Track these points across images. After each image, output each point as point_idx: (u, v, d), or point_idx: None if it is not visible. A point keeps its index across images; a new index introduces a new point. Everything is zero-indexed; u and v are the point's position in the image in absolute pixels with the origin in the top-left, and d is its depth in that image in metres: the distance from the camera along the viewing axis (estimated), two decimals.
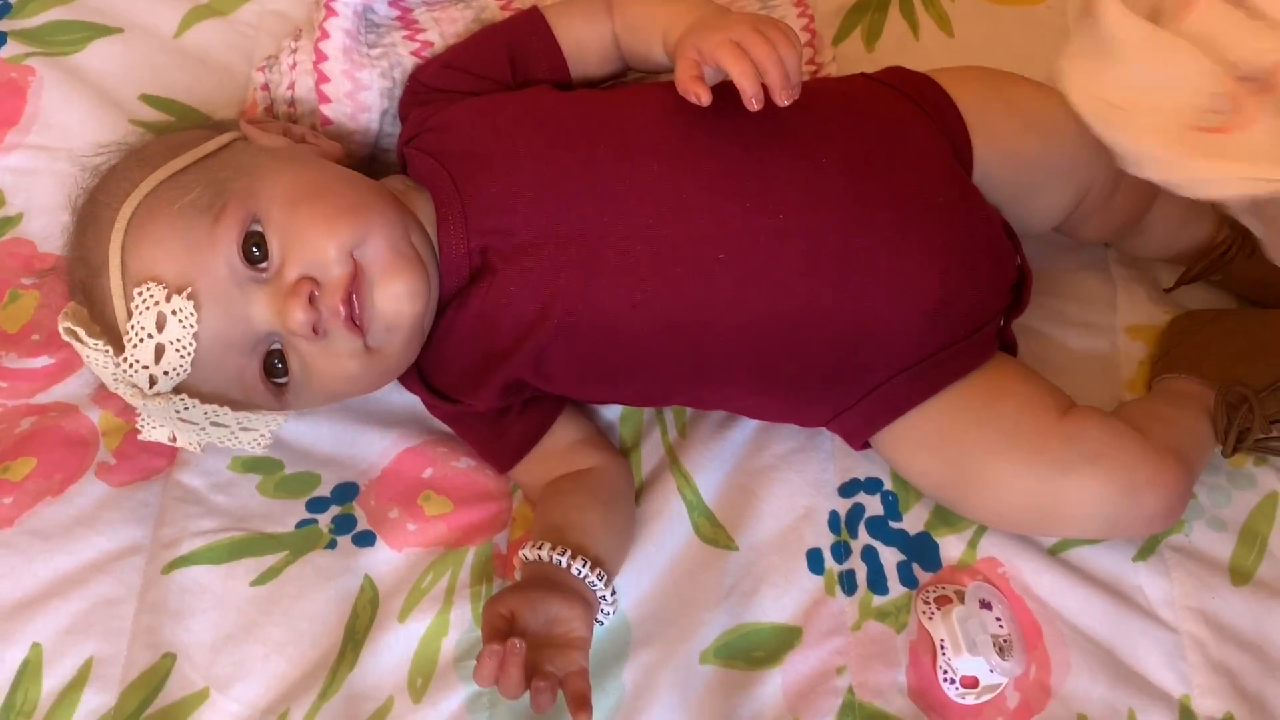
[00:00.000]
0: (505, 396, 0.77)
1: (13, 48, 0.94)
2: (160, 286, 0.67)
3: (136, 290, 0.68)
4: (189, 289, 0.68)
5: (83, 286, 0.72)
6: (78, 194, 0.75)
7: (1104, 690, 0.74)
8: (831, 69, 0.93)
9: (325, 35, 0.81)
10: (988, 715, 0.73)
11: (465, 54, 0.81)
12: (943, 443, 0.75)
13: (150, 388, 0.69)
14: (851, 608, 0.76)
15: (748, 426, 0.83)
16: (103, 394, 0.82)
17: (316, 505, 0.80)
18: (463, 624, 0.75)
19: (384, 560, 0.78)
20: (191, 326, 0.67)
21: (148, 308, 0.67)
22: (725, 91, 0.69)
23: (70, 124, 0.91)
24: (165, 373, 0.69)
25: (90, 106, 0.91)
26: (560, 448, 0.79)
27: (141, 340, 0.68)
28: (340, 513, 0.80)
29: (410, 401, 0.83)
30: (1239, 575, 0.78)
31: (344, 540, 0.78)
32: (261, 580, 0.76)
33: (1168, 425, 0.77)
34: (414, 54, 0.83)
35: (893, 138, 0.75)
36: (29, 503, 0.77)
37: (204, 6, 0.97)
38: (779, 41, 0.67)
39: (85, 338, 0.69)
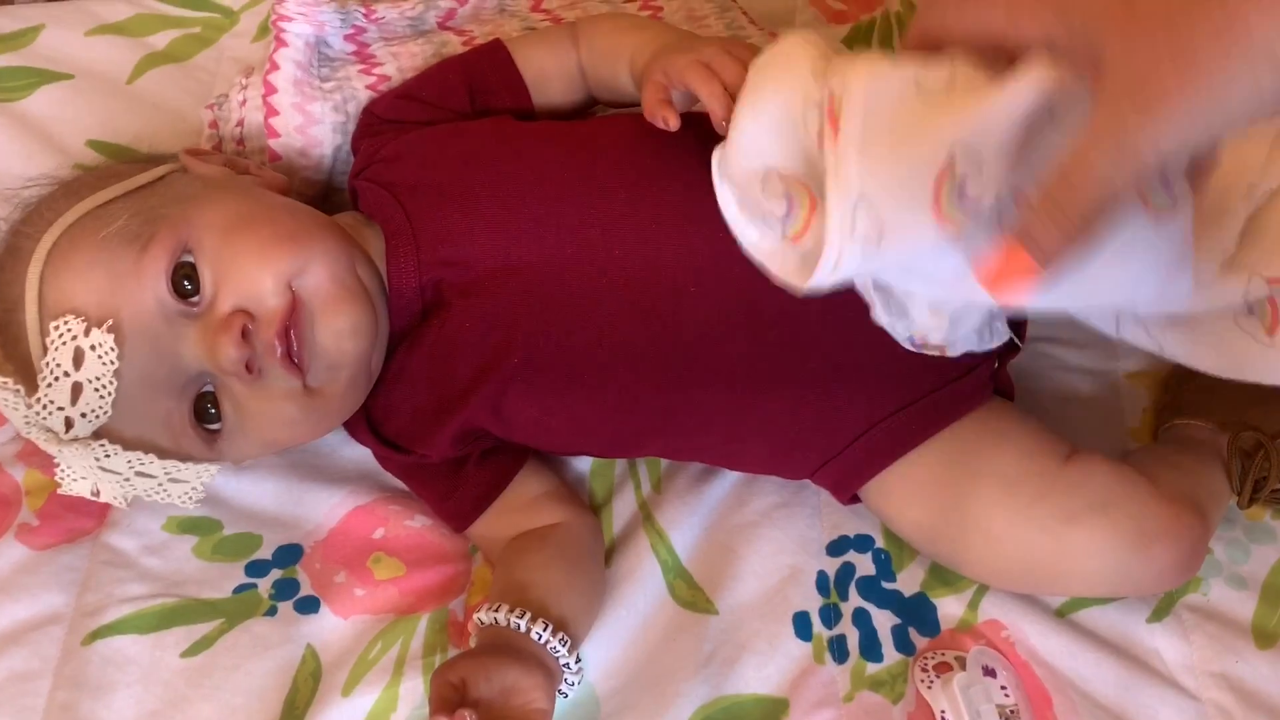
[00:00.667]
0: (462, 445, 0.71)
1: None
2: (79, 319, 0.62)
3: (53, 324, 0.63)
4: (110, 321, 0.62)
5: None
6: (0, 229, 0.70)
7: None
8: None
9: (275, 67, 0.77)
10: None
11: (421, 85, 0.78)
12: (937, 492, 0.70)
13: (66, 431, 0.64)
14: (843, 677, 0.70)
15: (727, 480, 0.78)
16: (29, 450, 0.76)
17: (256, 569, 0.74)
18: (414, 698, 0.68)
19: (329, 628, 0.71)
20: (112, 363, 0.62)
21: (64, 342, 0.62)
22: (693, 120, 0.65)
23: (11, 169, 0.86)
24: (83, 414, 0.63)
25: (31, 152, 0.88)
26: (523, 502, 0.73)
27: (57, 379, 0.63)
28: (282, 576, 0.74)
29: (360, 455, 0.78)
30: (1263, 637, 0.72)
31: (285, 606, 0.72)
32: (193, 651, 0.70)
33: (1180, 472, 0.72)
34: (369, 88, 0.79)
35: None
36: None
37: (160, 53, 0.96)
38: (750, 63, 0.64)
39: None
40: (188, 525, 0.75)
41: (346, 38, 0.82)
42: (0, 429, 0.78)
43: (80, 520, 0.75)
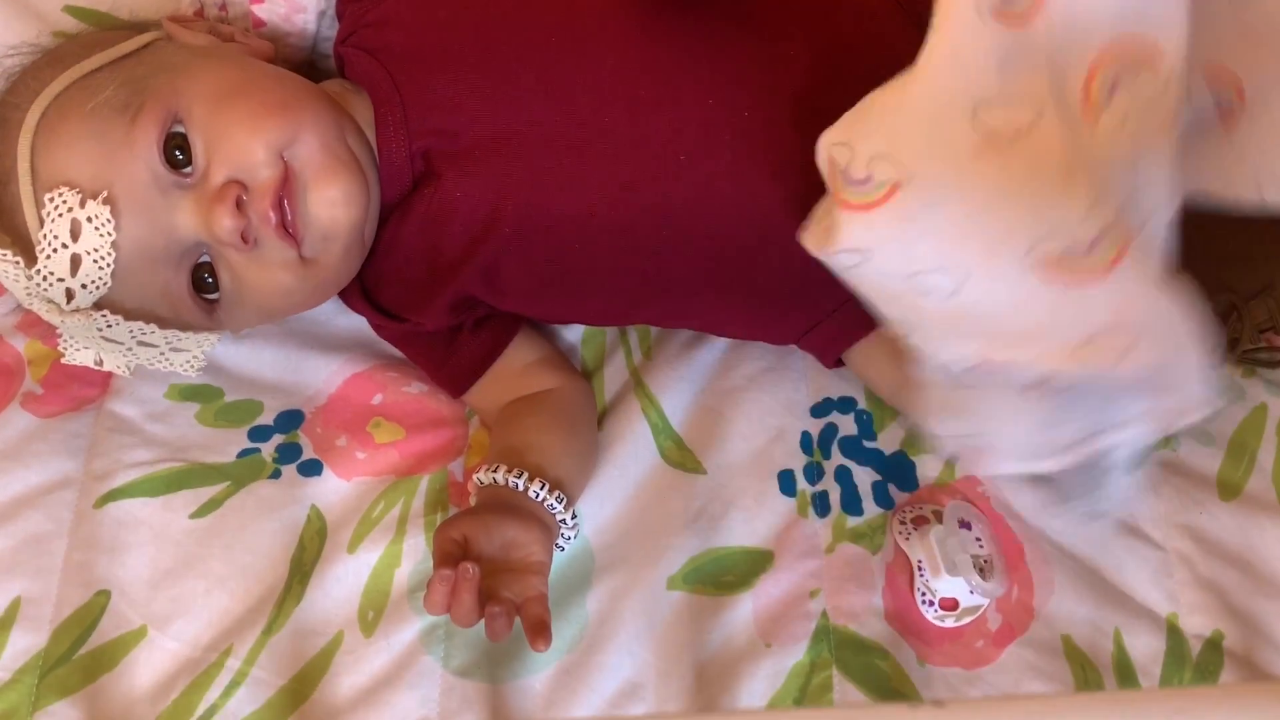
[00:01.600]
0: (456, 314, 0.72)
1: None
2: (74, 191, 0.62)
3: (48, 196, 0.63)
4: (105, 193, 0.63)
5: None
6: None
7: (1089, 610, 0.71)
8: None
9: None
10: (968, 638, 0.70)
11: None
12: None
13: (68, 303, 0.64)
14: (825, 530, 0.73)
15: (716, 346, 0.79)
16: (29, 320, 0.77)
17: (259, 434, 0.76)
18: (416, 554, 0.71)
19: (332, 490, 0.74)
20: (109, 234, 0.63)
21: (60, 215, 0.62)
22: None
23: None
24: (83, 286, 0.64)
25: (7, 18, 0.85)
26: (517, 369, 0.75)
27: (55, 250, 0.63)
28: (285, 441, 0.75)
29: (357, 324, 0.79)
30: (1227, 490, 0.75)
31: (289, 470, 0.74)
32: (201, 512, 0.72)
33: None
34: None
35: (865, 30, 0.70)
36: None
37: None
38: None
39: None
40: (189, 393, 0.76)
41: None
42: None
43: (84, 389, 0.76)
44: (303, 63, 0.80)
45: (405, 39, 0.70)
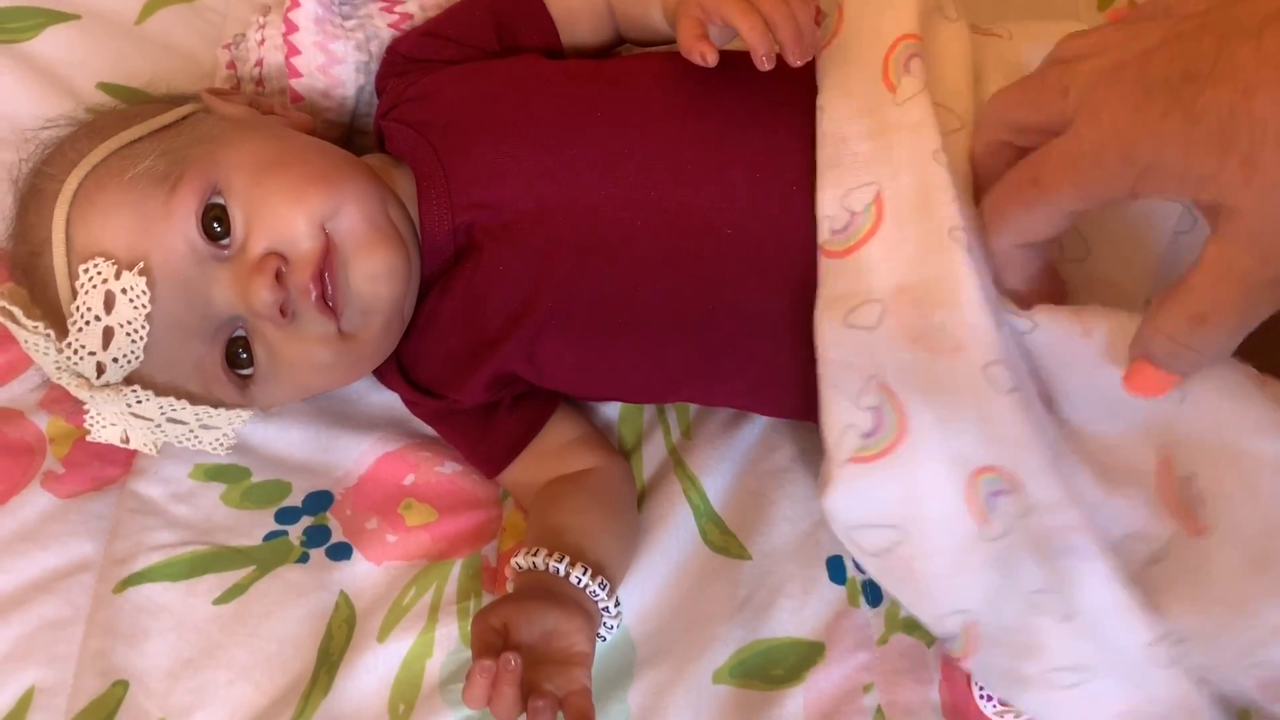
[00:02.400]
0: (494, 390, 0.70)
1: None
2: (109, 262, 0.61)
3: (83, 267, 0.61)
4: (141, 264, 0.61)
5: (23, 266, 0.65)
6: (21, 169, 0.68)
7: None
8: None
9: (296, 4, 0.75)
10: None
11: (447, 22, 0.75)
12: None
13: (98, 377, 0.62)
14: (877, 620, 0.70)
15: (758, 424, 0.77)
16: (51, 397, 0.75)
17: (287, 516, 0.73)
18: (449, 644, 0.68)
19: (361, 575, 0.71)
20: (144, 307, 0.61)
21: (94, 286, 0.61)
22: (727, 57, 0.63)
23: (20, 113, 0.84)
24: (114, 360, 0.62)
25: (42, 94, 0.85)
26: (555, 447, 0.73)
27: (88, 323, 0.61)
28: (313, 524, 0.73)
29: (389, 401, 0.77)
30: None
31: (317, 554, 0.72)
32: (225, 598, 0.69)
33: None
34: (391, 26, 0.77)
35: None
36: None
37: None
38: None
39: (23, 319, 0.63)
40: (215, 473, 0.74)
41: None
42: (22, 377, 0.76)
43: (106, 468, 0.74)
44: (340, 137, 0.79)
45: (448, 113, 0.69)
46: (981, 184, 0.57)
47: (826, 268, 0.62)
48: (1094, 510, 0.57)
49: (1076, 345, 0.56)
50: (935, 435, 0.57)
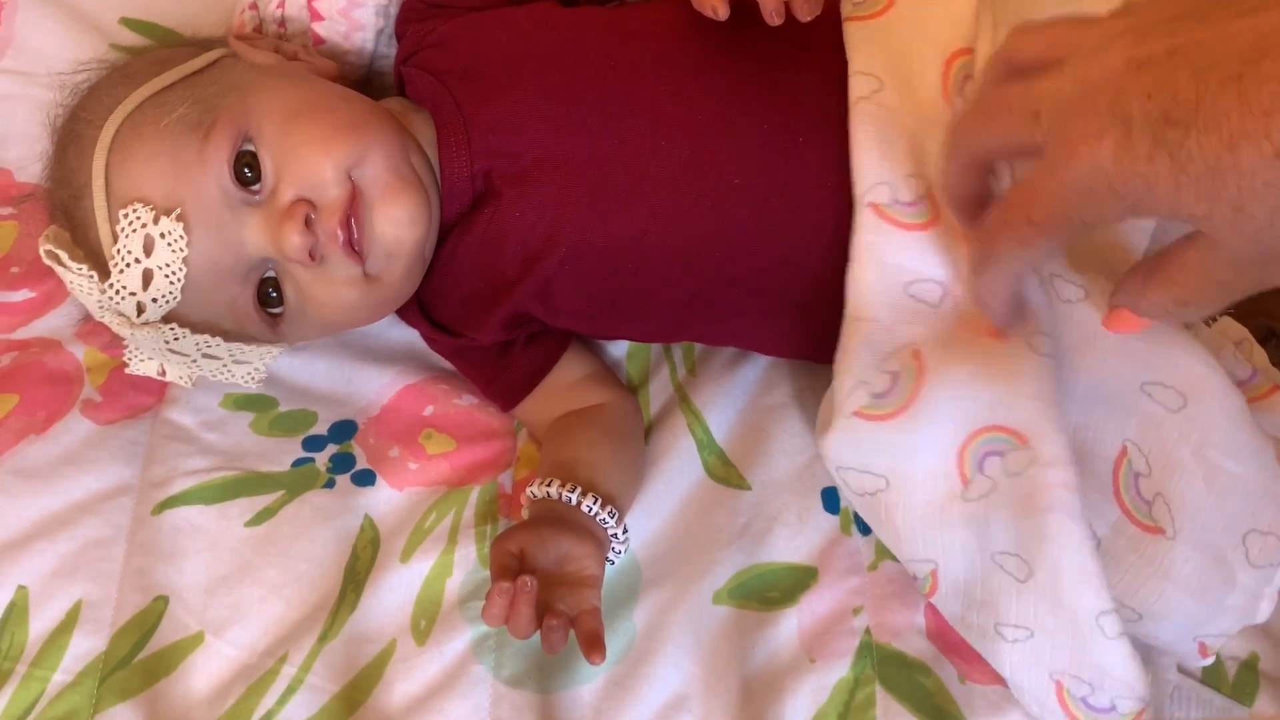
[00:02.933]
0: (510, 329, 0.74)
1: None
2: (148, 208, 0.64)
3: (122, 212, 0.64)
4: (178, 210, 0.64)
5: (64, 209, 0.68)
6: (57, 113, 0.71)
7: None
8: None
9: None
10: None
11: None
12: None
13: (138, 316, 0.66)
14: (868, 547, 0.74)
15: (759, 363, 0.80)
16: (87, 328, 0.78)
17: (313, 444, 0.77)
18: (467, 564, 0.73)
19: (385, 500, 0.75)
20: (181, 250, 0.64)
21: (134, 230, 0.64)
22: (741, 8, 0.65)
23: (47, 48, 0.86)
24: (154, 300, 0.65)
25: (67, 29, 0.87)
26: (566, 383, 0.76)
27: (128, 265, 0.64)
28: (338, 451, 0.77)
29: (409, 337, 0.80)
30: None
31: (342, 479, 0.76)
32: (257, 521, 0.73)
33: None
34: None
35: None
36: (12, 441, 0.74)
37: None
38: None
39: (68, 261, 0.65)
40: (244, 402, 0.78)
41: None
42: (57, 309, 0.79)
43: (140, 397, 0.77)
44: (359, 80, 0.81)
45: (469, 60, 0.71)
46: (958, 206, 0.57)
47: (883, 230, 0.63)
48: None
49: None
50: (944, 407, 0.61)
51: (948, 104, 0.64)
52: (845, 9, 0.69)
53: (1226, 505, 0.60)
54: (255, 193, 0.66)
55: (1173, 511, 0.61)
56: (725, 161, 0.67)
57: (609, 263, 0.69)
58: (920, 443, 0.62)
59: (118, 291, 0.65)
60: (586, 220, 0.68)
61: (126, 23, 0.88)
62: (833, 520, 0.75)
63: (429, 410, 0.78)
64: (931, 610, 0.72)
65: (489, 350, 0.76)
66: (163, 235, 0.64)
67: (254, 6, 0.81)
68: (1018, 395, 0.60)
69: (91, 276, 0.66)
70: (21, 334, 0.79)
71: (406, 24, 0.77)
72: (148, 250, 0.64)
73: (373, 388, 0.79)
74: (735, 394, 0.79)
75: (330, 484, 0.75)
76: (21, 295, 0.80)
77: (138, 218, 0.64)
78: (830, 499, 0.76)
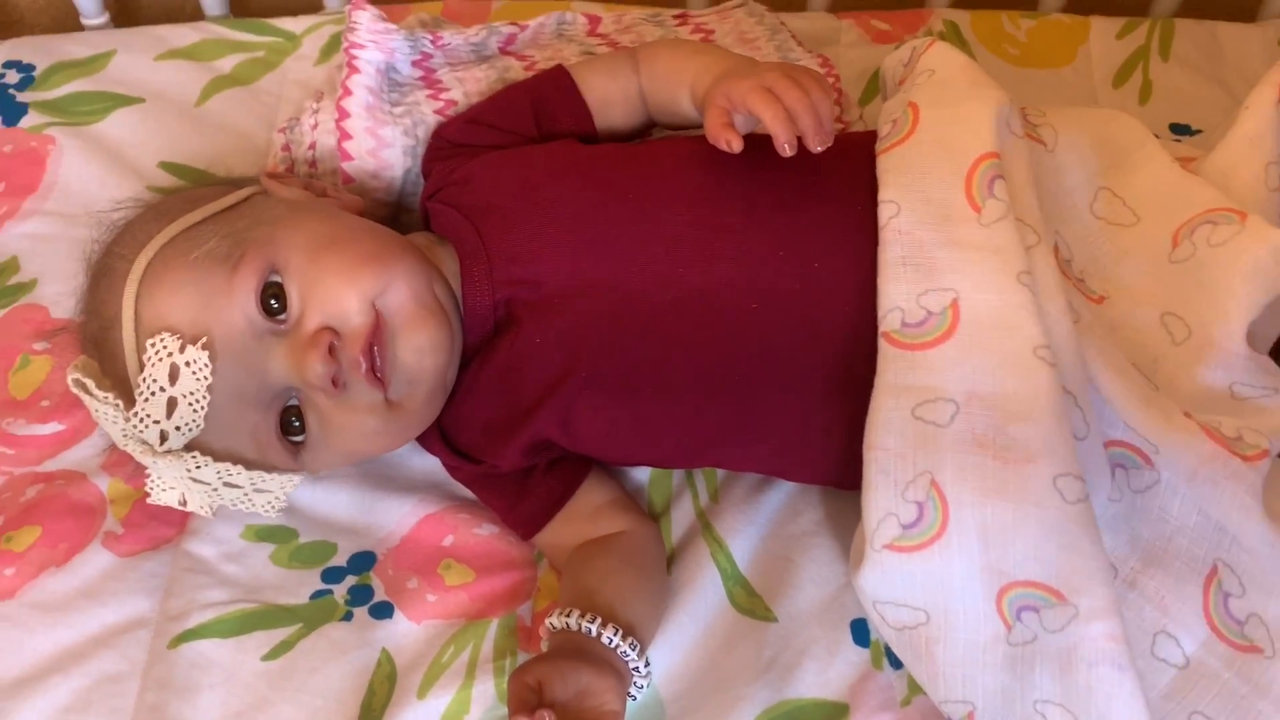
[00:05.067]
0: (530, 456, 0.73)
1: (33, 118, 0.95)
2: (174, 337, 0.65)
3: (149, 341, 0.65)
4: (204, 339, 0.65)
5: (94, 340, 0.70)
6: (93, 248, 0.73)
7: None
8: (858, 128, 0.92)
9: (348, 92, 0.80)
10: None
11: (489, 109, 0.80)
12: None
13: (161, 444, 0.66)
14: (900, 682, 0.72)
15: (783, 490, 0.79)
16: (112, 460, 0.79)
17: (332, 575, 0.76)
18: (486, 700, 0.71)
19: (402, 633, 0.74)
20: (206, 379, 0.65)
21: (160, 359, 0.65)
22: (754, 142, 0.67)
23: (88, 190, 0.90)
24: (177, 428, 0.66)
25: (108, 173, 0.91)
26: (588, 510, 0.76)
27: (153, 393, 0.65)
28: (357, 583, 0.76)
29: (430, 465, 0.80)
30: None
31: (360, 612, 0.75)
32: (274, 654, 0.72)
33: None
34: (437, 112, 0.82)
35: None
36: (32, 573, 0.74)
37: (225, 77, 0.99)
38: (811, 88, 0.66)
39: (94, 390, 0.67)
40: (265, 534, 0.78)
41: (414, 64, 0.84)
42: (84, 441, 0.80)
43: (162, 529, 0.77)
44: (387, 216, 0.84)
45: (491, 195, 0.73)
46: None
47: (892, 356, 0.64)
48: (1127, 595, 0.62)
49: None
50: (975, 543, 0.60)
51: (973, 209, 0.65)
52: (877, 144, 0.71)
53: None
54: (281, 322, 0.67)
55: (1271, 633, 0.60)
56: (740, 289, 0.68)
57: (630, 388, 0.70)
58: (956, 576, 0.61)
59: (142, 419, 0.66)
60: (605, 345, 0.69)
61: (165, 166, 0.92)
62: (863, 653, 0.73)
63: (448, 540, 0.77)
64: None
65: (510, 477, 0.75)
66: (188, 364, 0.65)
67: (287, 148, 0.85)
68: (1048, 546, 0.59)
69: (117, 405, 0.66)
70: (48, 466, 0.80)
71: (432, 162, 0.79)
72: (173, 378, 0.65)
73: (393, 517, 0.78)
74: (759, 521, 0.78)
75: (348, 616, 0.74)
76: (51, 428, 0.81)
77: (164, 346, 0.65)
78: (860, 631, 0.74)
